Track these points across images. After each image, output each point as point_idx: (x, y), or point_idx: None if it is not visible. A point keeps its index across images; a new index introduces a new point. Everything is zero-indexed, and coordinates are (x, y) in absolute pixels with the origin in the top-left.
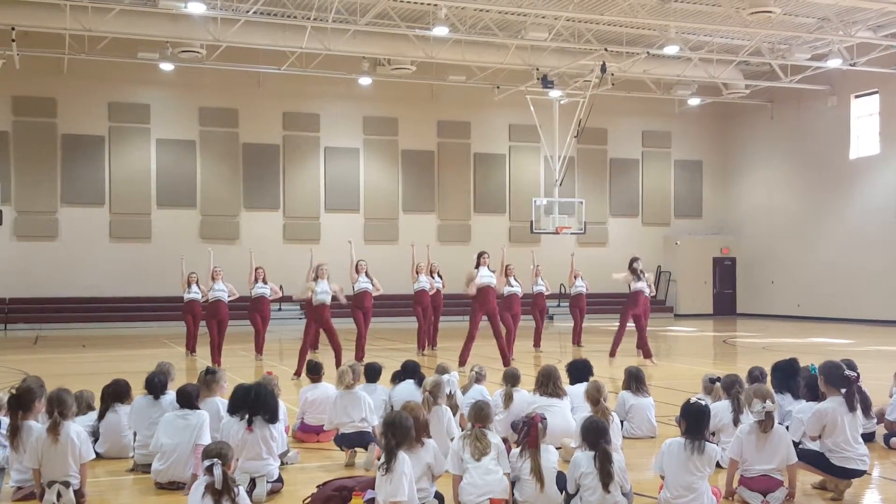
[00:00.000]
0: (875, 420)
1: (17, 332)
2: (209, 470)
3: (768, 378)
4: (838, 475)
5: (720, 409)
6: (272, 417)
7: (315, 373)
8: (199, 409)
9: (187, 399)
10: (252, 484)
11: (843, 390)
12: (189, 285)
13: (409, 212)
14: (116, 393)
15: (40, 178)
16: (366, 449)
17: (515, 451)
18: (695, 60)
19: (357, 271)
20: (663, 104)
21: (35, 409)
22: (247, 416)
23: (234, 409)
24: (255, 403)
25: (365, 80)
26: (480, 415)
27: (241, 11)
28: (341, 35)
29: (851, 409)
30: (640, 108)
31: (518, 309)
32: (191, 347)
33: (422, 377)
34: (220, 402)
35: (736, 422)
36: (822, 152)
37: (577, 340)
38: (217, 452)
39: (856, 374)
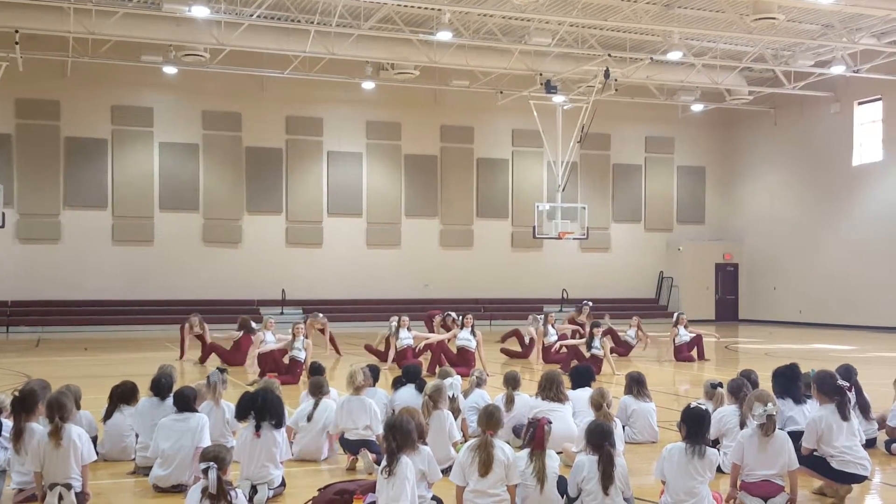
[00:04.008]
0: (876, 426)
1: (19, 334)
2: (205, 473)
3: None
4: (839, 480)
5: (726, 414)
6: (279, 423)
7: (317, 375)
8: (197, 411)
9: (185, 402)
10: (254, 490)
11: (837, 399)
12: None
13: (411, 216)
14: (124, 394)
15: (43, 180)
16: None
17: (521, 454)
18: (698, 66)
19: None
20: (666, 110)
21: (38, 411)
22: (254, 422)
23: (240, 414)
24: (262, 409)
25: (368, 85)
26: (491, 420)
27: (244, 15)
28: (345, 39)
29: (844, 418)
30: (643, 113)
31: None
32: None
33: (423, 382)
34: (227, 405)
35: (743, 426)
36: (825, 159)
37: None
38: (214, 456)
39: (848, 385)
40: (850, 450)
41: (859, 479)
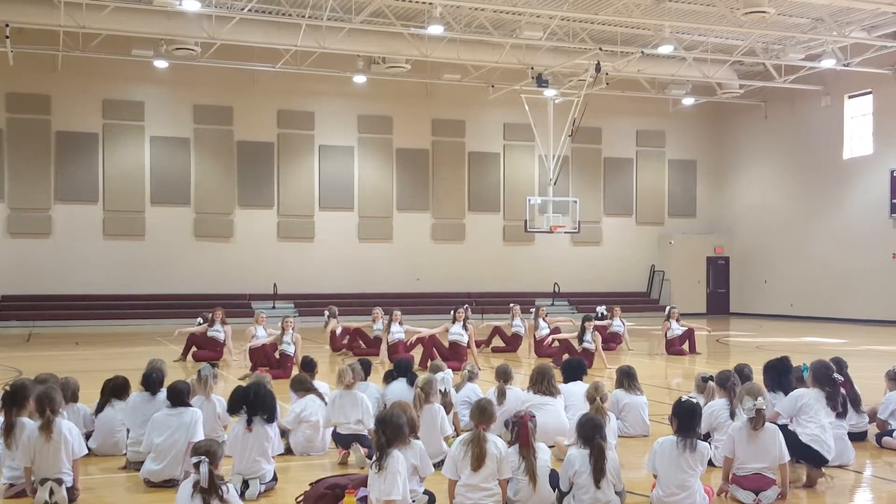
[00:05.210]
0: (867, 419)
1: (10, 329)
2: (196, 467)
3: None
4: (802, 457)
5: (718, 408)
6: (270, 417)
7: (309, 369)
8: (190, 406)
9: (179, 397)
10: (245, 484)
11: (828, 390)
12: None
13: (403, 210)
14: (116, 388)
15: (34, 175)
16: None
17: (511, 450)
18: (689, 60)
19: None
20: (657, 104)
21: (28, 406)
22: (246, 416)
23: (232, 408)
24: (254, 403)
25: (360, 79)
26: (484, 415)
27: (235, 9)
28: (336, 33)
29: (833, 409)
30: (634, 107)
31: None
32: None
33: (414, 376)
34: (218, 399)
35: (733, 415)
36: (816, 152)
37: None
38: (206, 450)
39: (842, 379)
40: (821, 429)
41: (822, 460)
